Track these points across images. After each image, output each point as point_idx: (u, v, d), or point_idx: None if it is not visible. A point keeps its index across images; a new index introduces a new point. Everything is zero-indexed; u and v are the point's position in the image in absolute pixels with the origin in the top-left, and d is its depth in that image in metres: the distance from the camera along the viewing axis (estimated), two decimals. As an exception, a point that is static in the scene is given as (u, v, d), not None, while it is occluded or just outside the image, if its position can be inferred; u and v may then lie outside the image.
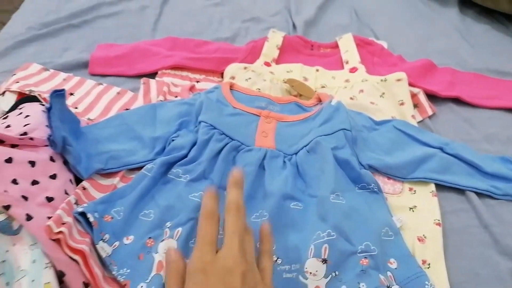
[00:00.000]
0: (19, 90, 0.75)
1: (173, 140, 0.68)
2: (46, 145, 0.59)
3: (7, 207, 0.47)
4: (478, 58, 0.99)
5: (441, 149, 0.69)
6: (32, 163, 0.55)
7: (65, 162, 0.61)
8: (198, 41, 0.95)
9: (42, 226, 0.48)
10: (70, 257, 0.48)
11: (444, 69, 0.91)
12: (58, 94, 0.60)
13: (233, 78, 0.84)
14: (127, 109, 0.78)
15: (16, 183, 0.52)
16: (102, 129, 0.69)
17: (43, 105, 0.68)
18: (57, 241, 0.49)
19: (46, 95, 0.73)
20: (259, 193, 0.62)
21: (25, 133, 0.58)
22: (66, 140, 0.60)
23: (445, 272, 0.55)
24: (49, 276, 0.46)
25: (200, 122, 0.69)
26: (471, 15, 1.17)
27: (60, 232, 0.49)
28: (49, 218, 0.50)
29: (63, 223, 0.51)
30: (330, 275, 0.52)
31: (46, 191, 0.54)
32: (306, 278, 0.51)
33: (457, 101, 0.85)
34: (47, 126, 0.61)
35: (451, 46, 1.04)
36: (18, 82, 0.77)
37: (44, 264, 0.46)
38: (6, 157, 0.53)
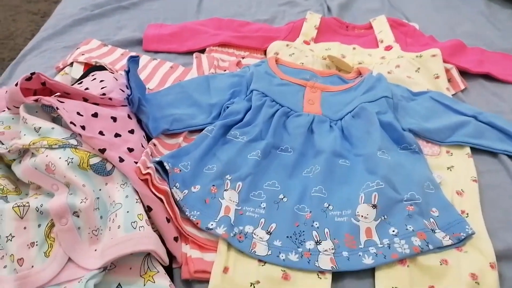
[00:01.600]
0: (85, 61, 0.82)
1: (227, 107, 0.75)
2: (122, 105, 0.67)
3: (102, 150, 0.55)
4: (504, 40, 1.04)
5: (475, 117, 0.75)
6: (114, 119, 0.63)
7: (138, 121, 0.68)
8: (241, 22, 1.02)
9: (132, 168, 0.55)
10: (155, 195, 0.55)
11: (474, 48, 0.96)
12: (134, 60, 0.67)
13: (277, 54, 0.91)
14: (180, 81, 0.85)
15: (103, 134, 0.59)
16: (164, 96, 0.76)
17: (112, 73, 0.76)
18: (145, 181, 0.56)
19: (111, 66, 0.81)
20: (309, 152, 0.69)
21: (104, 94, 0.65)
22: (140, 100, 0.67)
23: (482, 220, 0.60)
24: (140, 209, 0.53)
25: (252, 91, 0.76)
26: (496, 1, 1.21)
27: (148, 173, 0.56)
28: (135, 163, 0.57)
29: (148, 167, 0.58)
30: (380, 219, 0.58)
31: (127, 143, 0.61)
32: (358, 221, 0.58)
33: (487, 77, 0.90)
34: (120, 89, 0.69)
35: (478, 29, 1.09)
36: (83, 54, 0.85)
37: (135, 199, 0.54)
38: (93, 112, 0.61)
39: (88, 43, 0.91)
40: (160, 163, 0.62)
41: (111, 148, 0.55)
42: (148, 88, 0.82)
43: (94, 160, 0.55)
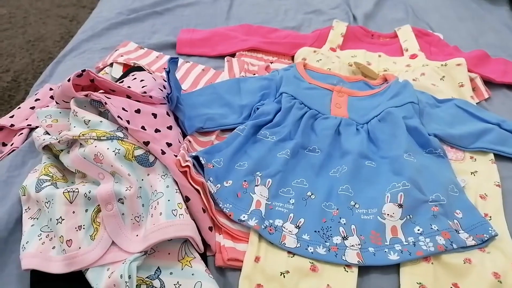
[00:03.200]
0: (124, 62, 0.87)
1: (258, 108, 0.78)
2: (161, 103, 0.71)
3: (146, 143, 0.59)
4: (529, 51, 1.05)
5: (498, 125, 0.76)
6: (154, 115, 0.67)
7: (175, 119, 0.72)
8: (270, 28, 1.06)
9: (173, 160, 0.59)
10: (193, 187, 0.59)
11: (498, 59, 0.98)
12: (174, 61, 0.71)
13: (304, 59, 0.94)
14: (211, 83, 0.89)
15: (144, 129, 0.63)
16: (198, 96, 0.80)
17: (151, 73, 0.80)
18: (183, 173, 0.60)
19: (148, 67, 0.85)
20: (336, 153, 0.72)
21: (145, 92, 0.70)
22: (178, 99, 0.71)
23: (505, 223, 0.62)
24: (180, 199, 0.57)
25: (281, 94, 0.79)
26: (521, 13, 1.23)
27: (187, 165, 0.60)
28: (175, 156, 0.61)
29: (187, 160, 0.62)
30: (405, 218, 0.60)
31: (166, 138, 0.65)
32: (384, 219, 0.60)
33: (510, 87, 0.92)
34: (159, 88, 0.73)
35: (502, 40, 1.11)
36: (122, 56, 0.90)
37: (175, 189, 0.57)
38: (136, 108, 0.65)
39: (126, 46, 0.96)
40: (195, 158, 0.66)
41: (154, 142, 0.59)
42: (182, 89, 0.86)
43: (139, 152, 0.59)
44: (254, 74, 0.91)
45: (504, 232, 0.61)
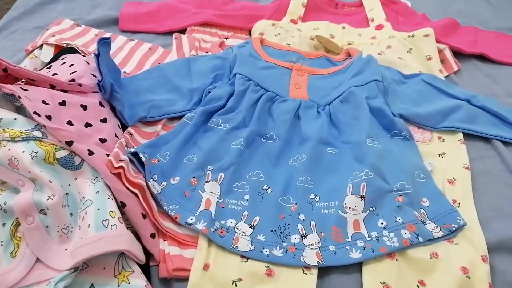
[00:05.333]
0: (56, 43, 0.77)
1: (209, 92, 0.70)
2: (94, 92, 0.62)
3: (70, 143, 0.50)
4: (499, 18, 1.00)
5: (468, 101, 0.72)
6: (84, 107, 0.58)
7: (112, 109, 0.63)
8: (224, -1, 0.96)
9: (103, 161, 0.51)
10: (129, 190, 0.52)
11: (468, 27, 0.93)
12: (105, 42, 0.62)
13: (262, 34, 0.86)
14: (159, 64, 0.80)
15: (72, 124, 0.55)
16: (142, 80, 0.72)
17: (84, 55, 0.70)
18: (117, 175, 0.52)
19: (83, 49, 0.75)
20: (295, 140, 0.65)
21: (73, 80, 0.60)
22: (113, 86, 0.62)
23: (474, 209, 0.58)
24: (113, 206, 0.49)
25: (235, 75, 0.71)
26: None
27: (120, 166, 0.52)
28: (107, 155, 0.53)
29: (121, 160, 0.54)
30: (368, 210, 0.55)
31: (99, 133, 0.57)
32: (346, 213, 0.55)
33: (481, 58, 0.87)
34: (92, 74, 0.64)
35: (472, 7, 1.05)
36: (54, 36, 0.79)
37: (107, 195, 0.50)
38: (60, 100, 0.56)
39: (60, 23, 0.85)
40: (135, 155, 0.58)
41: (80, 140, 0.51)
42: (125, 72, 0.77)
43: (61, 154, 0.50)
44: (207, 52, 0.83)
45: (473, 220, 0.57)
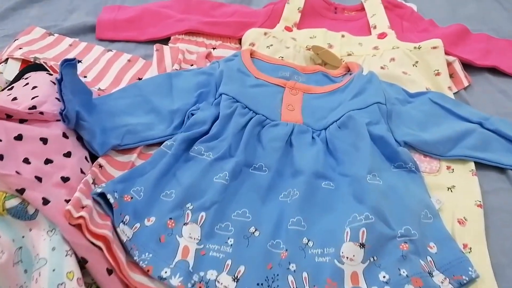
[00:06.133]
0: (22, 57, 0.69)
1: (192, 114, 0.63)
2: (58, 120, 0.55)
3: (21, 191, 0.43)
4: (513, 23, 0.92)
5: (480, 124, 0.65)
6: (44, 140, 0.51)
7: (79, 138, 0.56)
8: (213, 3, 0.88)
9: (61, 210, 0.44)
10: (92, 243, 0.45)
11: (479, 35, 0.85)
12: (69, 64, 0.54)
13: (253, 44, 0.78)
14: (139, 78, 0.73)
15: (28, 163, 0.48)
16: (117, 100, 0.64)
17: (51, 74, 0.63)
18: (78, 226, 0.45)
19: (53, 63, 0.68)
20: (287, 170, 0.58)
21: (34, 107, 0.53)
22: (79, 114, 0.55)
23: (487, 256, 0.51)
24: (71, 265, 0.42)
25: (221, 95, 0.64)
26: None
27: (81, 216, 0.45)
28: (67, 201, 0.46)
29: (83, 207, 0.47)
30: (368, 260, 0.48)
31: (61, 170, 0.50)
32: (343, 263, 0.48)
33: (493, 70, 0.79)
34: (57, 98, 0.56)
35: (483, 10, 0.97)
36: (21, 48, 0.72)
37: (65, 251, 0.43)
38: (16, 134, 0.49)
39: (30, 32, 0.77)
40: (103, 195, 0.51)
41: (33, 186, 0.44)
42: (99, 88, 0.70)
43: (12, 203, 0.43)
44: (192, 65, 0.75)
45: (486, 270, 0.50)
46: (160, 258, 0.49)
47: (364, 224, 0.50)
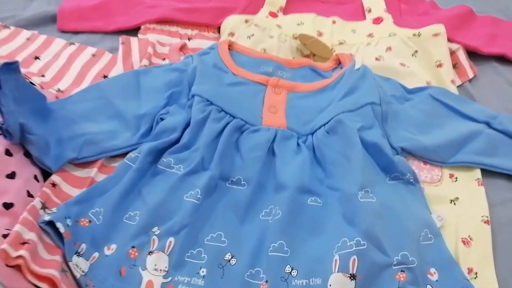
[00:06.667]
0: (-31, 56, 0.61)
1: (161, 119, 0.56)
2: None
3: None
4: (523, 3, 0.84)
5: (487, 123, 0.57)
6: (-19, 161, 0.43)
7: (27, 154, 0.49)
8: (189, -14, 0.79)
9: (-5, 250, 0.37)
10: (36, 285, 0.38)
11: (485, 18, 0.77)
12: (9, 68, 0.46)
13: (232, 34, 0.70)
14: (105, 76, 0.65)
15: (-39, 189, 0.40)
16: (75, 104, 0.57)
17: None
18: (17, 267, 0.38)
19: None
20: (269, 184, 0.52)
21: (-30, 120, 0.45)
22: (25, 127, 0.47)
23: (496, 282, 0.45)
24: (8, 316, 0.36)
25: (193, 96, 0.56)
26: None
27: (20, 256, 0.38)
28: (5, 236, 0.39)
29: (24, 242, 0.40)
30: (360, 294, 0.42)
31: (3, 196, 0.43)
32: (330, 298, 0.42)
33: (501, 59, 0.72)
34: None
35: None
36: (-32, 45, 0.63)
37: (1, 299, 0.36)
38: None
39: (-20, 25, 0.68)
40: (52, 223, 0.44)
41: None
42: (58, 89, 0.62)
43: None
44: (164, 60, 0.67)
45: (493, 295, 0.44)
46: None
47: (355, 251, 0.43)
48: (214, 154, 0.52)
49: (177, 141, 0.53)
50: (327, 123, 0.54)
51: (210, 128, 0.53)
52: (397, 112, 0.57)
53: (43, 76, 0.64)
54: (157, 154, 0.53)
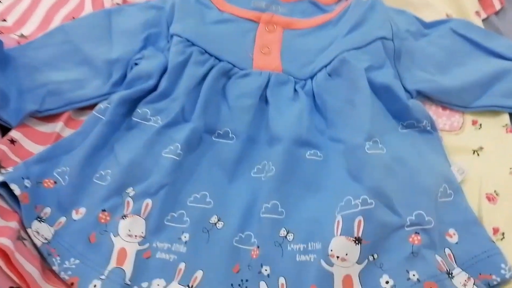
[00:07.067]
0: None
1: (136, 64, 0.48)
2: None
3: None
4: None
5: (518, 61, 0.49)
6: None
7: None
8: None
9: None
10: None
11: None
12: None
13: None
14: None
15: None
16: (38, 50, 0.50)
17: None
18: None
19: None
20: (261, 137, 0.46)
21: None
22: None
23: (527, 244, 0.39)
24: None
25: (172, 36, 0.48)
26: None
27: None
28: None
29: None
30: (366, 260, 0.37)
31: None
32: (331, 265, 0.36)
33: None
34: None
35: None
36: None
37: None
38: None
39: None
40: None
41: None
42: (22, 35, 0.55)
43: None
44: (140, -3, 0.58)
45: (524, 259, 0.38)
46: (89, 266, 0.38)
47: (361, 211, 0.37)
48: (197, 103, 0.45)
49: (154, 89, 0.46)
50: (329, 63, 0.46)
51: (191, 73, 0.46)
52: (413, 49, 0.50)
53: (4, 20, 0.57)
54: (131, 104, 0.46)
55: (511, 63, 0.49)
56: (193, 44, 0.47)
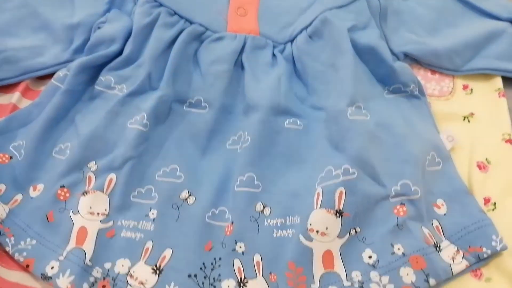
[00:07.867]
0: None
1: (99, 28, 0.44)
2: None
3: None
4: None
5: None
6: None
7: None
8: None
9: None
10: None
11: None
12: None
13: None
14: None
15: None
16: (-10, 15, 0.46)
17: None
18: None
19: None
20: (236, 106, 0.42)
21: None
22: None
23: (518, 214, 0.37)
24: None
25: (137, -4, 0.45)
26: None
27: None
28: None
29: None
30: (348, 234, 0.34)
31: None
32: (311, 240, 0.34)
33: None
34: None
35: None
36: None
37: None
38: None
39: None
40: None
41: None
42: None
43: None
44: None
45: (515, 230, 0.36)
46: (47, 246, 0.35)
47: (342, 182, 0.35)
48: (165, 70, 0.41)
49: (119, 54, 0.43)
50: (309, 24, 0.43)
51: (158, 36, 0.42)
52: (400, 9, 0.47)
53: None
54: (94, 72, 0.43)
55: (505, 24, 0.46)
56: (160, 5, 0.44)
